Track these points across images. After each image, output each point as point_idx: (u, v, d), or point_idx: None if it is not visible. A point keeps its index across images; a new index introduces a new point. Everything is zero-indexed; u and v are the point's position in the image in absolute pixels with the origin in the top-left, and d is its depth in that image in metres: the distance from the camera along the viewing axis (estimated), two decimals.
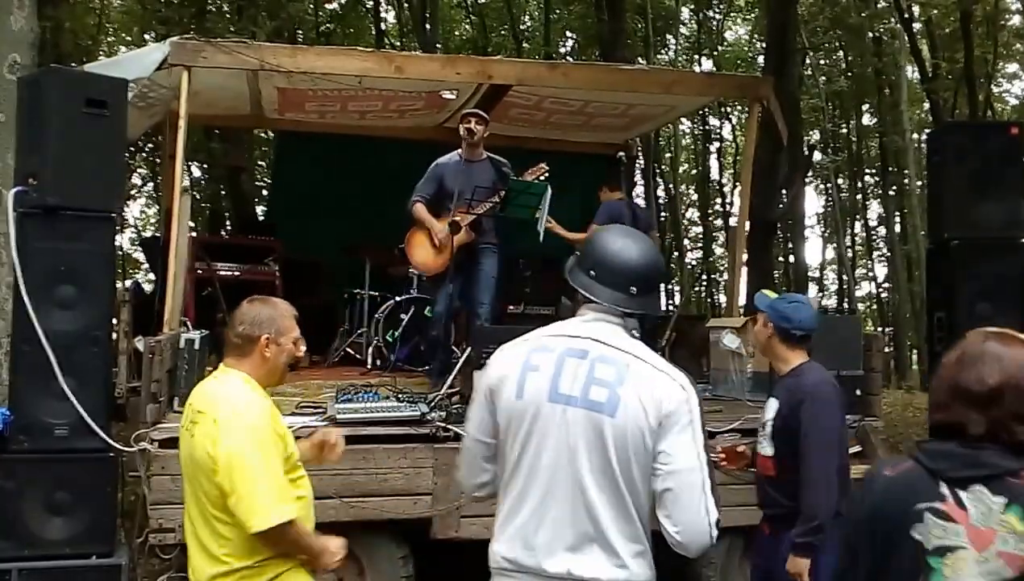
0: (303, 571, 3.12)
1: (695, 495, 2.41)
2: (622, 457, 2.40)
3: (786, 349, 4.07)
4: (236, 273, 8.68)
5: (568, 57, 23.84)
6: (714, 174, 30.97)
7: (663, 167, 26.98)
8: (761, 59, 20.39)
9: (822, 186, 29.40)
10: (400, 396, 5.80)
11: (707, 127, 29.00)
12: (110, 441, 4.95)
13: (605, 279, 2.56)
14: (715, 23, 27.71)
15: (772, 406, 4.05)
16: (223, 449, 2.94)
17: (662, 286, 2.74)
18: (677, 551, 2.46)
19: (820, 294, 29.70)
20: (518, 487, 2.51)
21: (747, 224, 8.83)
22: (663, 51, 25.29)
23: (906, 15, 19.31)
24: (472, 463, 2.73)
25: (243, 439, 2.96)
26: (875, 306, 31.72)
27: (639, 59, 19.90)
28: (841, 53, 25.03)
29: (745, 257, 9.92)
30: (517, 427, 2.52)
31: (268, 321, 3.19)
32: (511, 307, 8.82)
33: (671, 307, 23.11)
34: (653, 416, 2.40)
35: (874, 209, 30.61)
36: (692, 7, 26.35)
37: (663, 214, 26.71)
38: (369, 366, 7.95)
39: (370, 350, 8.10)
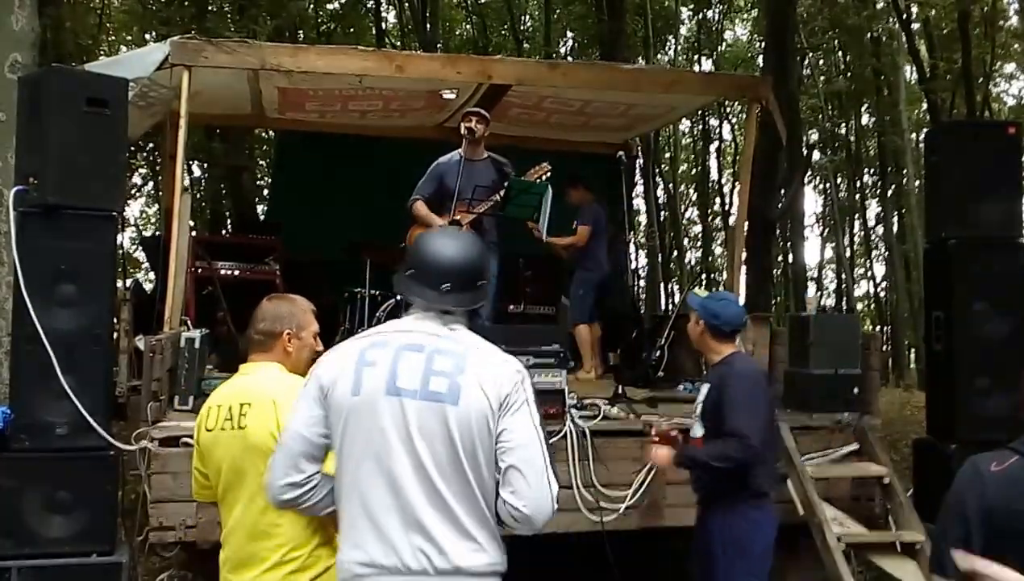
0: None
1: (537, 469, 2.48)
2: (467, 443, 2.45)
3: (717, 343, 4.49)
4: (236, 272, 8.67)
5: (568, 57, 23.85)
6: (713, 174, 31.01)
7: (663, 167, 27.00)
8: (760, 59, 20.39)
9: (821, 186, 29.43)
10: None
11: (706, 127, 29.02)
12: (111, 440, 4.94)
13: (420, 278, 2.64)
14: (715, 24, 27.71)
15: (703, 390, 4.42)
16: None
17: (482, 282, 2.85)
18: (518, 529, 2.51)
19: (819, 293, 29.70)
20: (363, 487, 2.50)
21: (746, 224, 8.85)
22: (663, 52, 25.31)
23: (904, 15, 19.32)
24: (288, 460, 2.62)
25: None
26: (873, 305, 31.75)
27: (639, 59, 19.92)
28: (840, 53, 25.05)
29: (744, 256, 9.93)
30: (355, 425, 2.52)
31: (289, 316, 3.24)
32: (511, 306, 8.82)
33: (671, 306, 23.15)
34: (494, 399, 2.46)
35: (873, 208, 30.64)
36: (692, 8, 26.37)
37: (663, 213, 26.74)
38: None
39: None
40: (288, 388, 3.03)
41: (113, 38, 20.11)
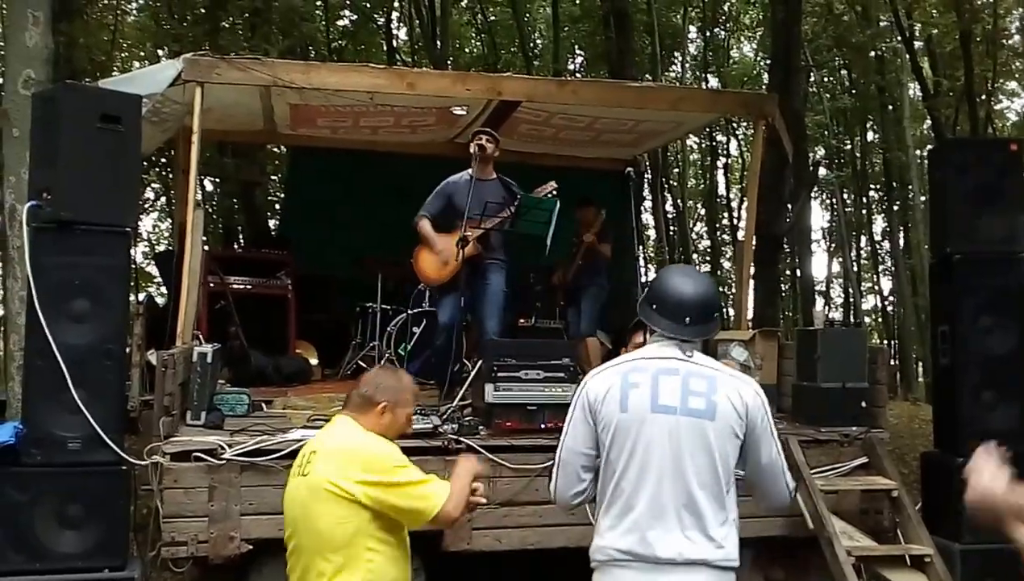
0: None
1: (779, 475, 3.01)
2: (722, 452, 2.90)
3: None
4: (249, 287, 8.71)
5: (577, 74, 23.91)
6: (721, 189, 31.00)
7: (671, 182, 27.02)
8: (766, 76, 20.42)
9: (828, 201, 29.43)
10: None
11: (714, 143, 29.05)
12: (123, 454, 4.98)
13: (665, 312, 3.04)
14: (722, 42, 27.74)
15: None
16: (359, 480, 3.14)
17: (717, 314, 3.15)
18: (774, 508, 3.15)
19: (826, 307, 29.67)
20: (628, 488, 2.92)
21: (753, 239, 8.87)
22: (671, 69, 25.36)
23: (907, 34, 19.36)
24: (571, 474, 3.05)
25: (374, 466, 3.17)
26: (881, 319, 31.70)
27: (647, 76, 19.96)
28: (845, 71, 25.09)
29: (752, 271, 9.95)
30: (624, 436, 2.93)
31: (391, 391, 3.41)
32: (522, 320, 8.86)
33: None
34: (742, 414, 2.92)
35: (879, 224, 30.61)
36: (699, 26, 26.44)
37: (672, 229, 26.76)
38: None
39: (382, 363, 8.14)
40: (355, 445, 3.25)
41: (127, 54, 20.19)
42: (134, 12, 19.88)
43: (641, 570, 2.87)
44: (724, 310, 28.97)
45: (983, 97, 19.82)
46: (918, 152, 22.20)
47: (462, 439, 5.40)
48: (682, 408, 2.90)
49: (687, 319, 3.01)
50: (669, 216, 26.56)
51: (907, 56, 20.44)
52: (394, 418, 3.39)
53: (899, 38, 19.87)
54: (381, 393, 3.37)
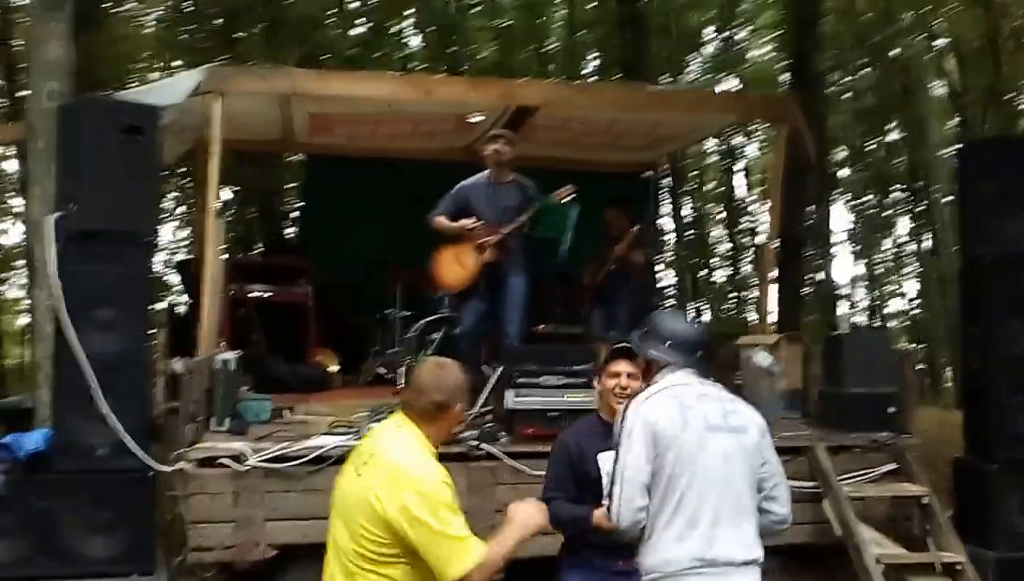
0: None
1: (786, 484, 3.45)
2: (752, 464, 3.33)
3: None
4: (269, 294, 8.72)
5: (595, 77, 23.85)
6: (742, 192, 30.88)
7: (690, 185, 26.92)
8: (787, 77, 20.34)
9: (851, 203, 29.25)
10: None
11: (732, 145, 28.91)
12: (149, 461, 5.03)
13: (678, 348, 3.51)
14: (740, 43, 27.61)
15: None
16: (404, 507, 3.00)
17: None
18: (776, 529, 3.41)
19: (851, 311, 29.50)
20: (694, 501, 3.24)
21: (776, 242, 8.82)
22: (688, 71, 25.28)
23: (931, 32, 19.24)
24: (635, 488, 3.29)
25: (423, 501, 3.02)
26: (907, 322, 31.46)
27: (664, 79, 19.90)
28: (868, 70, 24.92)
29: (774, 274, 9.89)
30: (684, 454, 3.26)
31: (460, 391, 3.26)
32: (540, 326, 8.83)
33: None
34: (758, 433, 3.39)
35: (904, 225, 30.41)
36: (717, 26, 26.34)
37: (690, 232, 26.67)
38: (401, 385, 7.98)
39: (402, 370, 8.13)
40: (411, 467, 3.07)
41: (144, 65, 20.29)
42: (152, 24, 19.96)
43: (708, 575, 3.18)
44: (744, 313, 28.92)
45: (1014, 93, 19.62)
46: (944, 152, 22.05)
47: (483, 446, 5.39)
48: (726, 426, 3.32)
49: (699, 354, 3.54)
50: (688, 220, 26.48)
51: (932, 54, 20.30)
52: (457, 415, 3.29)
53: (924, 35, 19.74)
54: (451, 395, 3.20)
